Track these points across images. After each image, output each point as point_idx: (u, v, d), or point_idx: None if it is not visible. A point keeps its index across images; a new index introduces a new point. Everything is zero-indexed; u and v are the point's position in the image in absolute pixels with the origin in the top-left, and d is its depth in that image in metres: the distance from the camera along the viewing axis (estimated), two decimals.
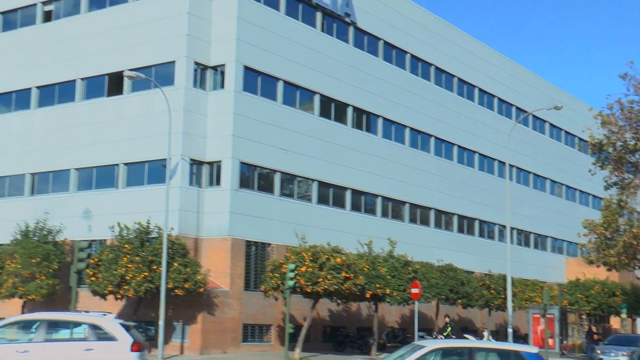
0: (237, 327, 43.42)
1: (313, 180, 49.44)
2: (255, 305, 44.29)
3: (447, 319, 46.64)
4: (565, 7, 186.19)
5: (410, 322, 52.31)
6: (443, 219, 62.39)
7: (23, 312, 43.80)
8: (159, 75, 44.37)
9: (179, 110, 43.24)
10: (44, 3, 51.35)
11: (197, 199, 44.02)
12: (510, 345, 18.09)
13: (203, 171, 44.75)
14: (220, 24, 45.76)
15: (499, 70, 71.02)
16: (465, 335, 49.69)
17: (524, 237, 74.10)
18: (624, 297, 63.06)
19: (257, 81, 46.41)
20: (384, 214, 55.72)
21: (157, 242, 39.14)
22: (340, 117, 52.38)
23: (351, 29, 53.86)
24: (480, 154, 67.29)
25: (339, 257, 40.78)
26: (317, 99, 50.48)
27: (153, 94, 44.09)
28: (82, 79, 48.44)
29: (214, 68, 45.70)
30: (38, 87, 50.53)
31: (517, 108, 72.87)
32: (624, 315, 63.35)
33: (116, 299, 39.61)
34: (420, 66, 60.65)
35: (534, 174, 75.95)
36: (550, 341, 51.20)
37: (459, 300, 53.66)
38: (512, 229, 65.58)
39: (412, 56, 59.69)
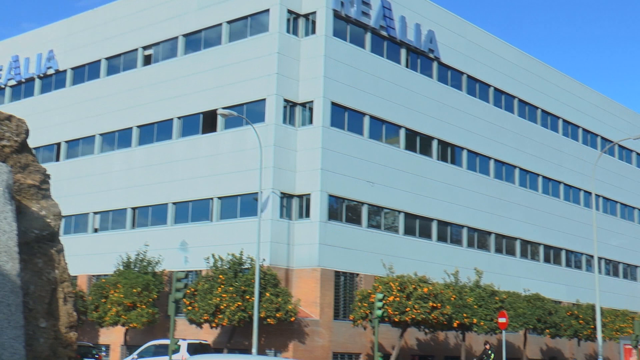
0: (327, 356, 43.35)
1: (400, 211, 49.26)
2: (344, 334, 44.18)
3: (487, 346, 45.40)
4: None
5: (498, 351, 51.27)
6: (529, 248, 61.15)
7: (126, 340, 44.82)
8: (250, 112, 45.13)
9: (269, 145, 43.83)
10: (144, 48, 52.97)
11: (288, 231, 44.37)
12: None
13: (293, 204, 45.13)
14: (308, 63, 46.33)
15: (583, 101, 69.61)
16: None
17: (612, 267, 71.92)
18: None
19: (344, 116, 46.70)
20: (470, 244, 55.01)
21: (249, 273, 39.57)
22: (426, 150, 52.17)
23: (435, 64, 53.76)
24: (565, 184, 65.86)
25: (426, 286, 40.44)
26: (402, 133, 50.44)
27: (245, 131, 44.83)
28: (179, 118, 49.65)
29: (303, 105, 46.22)
30: (138, 126, 51.99)
31: (603, 138, 71.20)
32: None
33: (211, 327, 40.13)
34: (503, 99, 59.99)
35: (622, 204, 73.82)
36: None
37: (547, 330, 52.33)
38: (600, 258, 63.80)
39: (496, 89, 59.12)
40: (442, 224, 52.63)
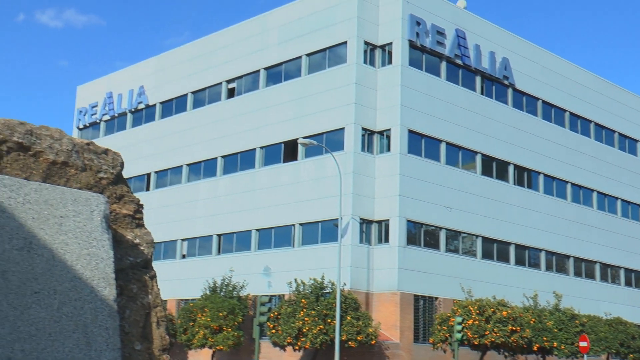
0: None
1: (477, 236, 48.63)
2: (424, 357, 43.65)
3: None
4: None
5: None
6: (609, 272, 59.45)
7: None
8: (329, 141, 45.38)
9: (349, 173, 43.95)
10: (228, 81, 53.95)
11: (367, 256, 44.27)
12: None
13: (372, 229, 45.05)
14: (385, 92, 46.40)
15: None
16: None
17: None
18: None
19: (421, 143, 46.53)
20: (548, 267, 53.82)
21: (331, 297, 39.58)
22: (502, 175, 51.46)
23: (510, 91, 53.14)
24: None
25: (505, 310, 39.73)
26: (478, 159, 49.91)
27: (325, 159, 45.07)
28: (261, 148, 50.27)
29: (381, 133, 46.25)
30: (223, 156, 52.83)
31: None
32: None
33: (294, 350, 40.20)
34: (579, 123, 58.80)
35: None
36: None
37: (631, 355, 50.61)
38: None
39: (571, 114, 58.01)
40: (520, 248, 51.69)
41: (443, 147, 47.77)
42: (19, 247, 5.54)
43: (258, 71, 51.84)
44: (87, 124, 64.56)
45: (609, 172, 60.29)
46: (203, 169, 54.33)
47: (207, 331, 43.21)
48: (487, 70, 51.08)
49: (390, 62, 46.78)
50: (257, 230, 49.17)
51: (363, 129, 45.76)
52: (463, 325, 38.46)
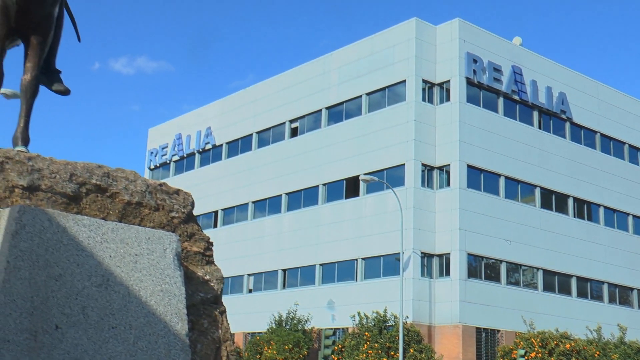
0: None
1: (538, 268, 47.71)
2: None
3: None
4: None
5: None
6: None
7: None
8: (390, 177, 45.31)
9: (409, 208, 43.75)
10: (290, 121, 54.45)
11: (429, 289, 43.81)
12: None
13: (433, 263, 44.63)
14: (444, 128, 46.22)
15: None
16: None
17: None
18: None
19: (480, 178, 46.10)
20: (611, 300, 52.37)
21: (393, 330, 39.22)
22: (562, 208, 50.53)
23: (567, 124, 52.36)
24: None
25: (568, 343, 38.77)
26: (537, 192, 49.16)
27: (386, 195, 44.98)
28: (324, 184, 50.44)
29: (440, 168, 46.01)
30: (287, 193, 53.14)
31: None
32: None
33: None
34: (639, 155, 57.47)
35: None
36: None
37: None
38: None
39: (630, 146, 56.77)
40: (582, 280, 50.48)
41: (502, 181, 47.23)
42: (98, 284, 5.68)
43: (320, 110, 52.22)
44: (158, 165, 65.77)
45: None
46: (268, 205, 54.70)
47: None
48: (544, 104, 50.49)
49: (448, 99, 46.66)
50: (321, 264, 49.16)
51: (423, 164, 45.59)
52: (526, 357, 37.63)
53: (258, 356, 44.16)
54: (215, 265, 6.56)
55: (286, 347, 42.95)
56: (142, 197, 6.26)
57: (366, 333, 39.21)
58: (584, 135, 53.51)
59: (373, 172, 45.88)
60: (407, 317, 40.71)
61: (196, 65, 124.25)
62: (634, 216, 55.37)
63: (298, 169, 52.39)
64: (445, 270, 44.27)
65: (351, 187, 48.66)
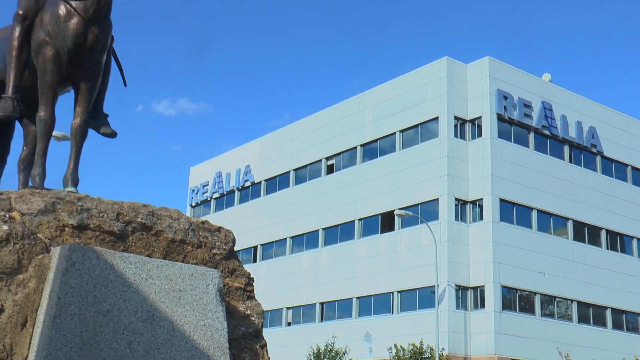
0: None
1: (572, 300, 46.88)
2: None
3: None
4: None
5: None
6: None
7: None
8: (424, 212, 45.08)
9: (443, 241, 43.43)
10: (327, 158, 54.61)
11: (464, 321, 43.25)
12: None
13: (468, 295, 44.11)
14: (476, 164, 45.99)
15: None
16: None
17: None
18: None
19: (512, 211, 45.66)
20: None
21: None
22: (594, 240, 49.74)
23: (598, 158, 51.76)
24: None
25: None
26: (570, 225, 48.50)
27: (420, 229, 44.73)
28: (360, 219, 50.33)
29: (473, 202, 45.69)
30: (324, 229, 53.10)
31: None
32: None
33: None
34: None
35: None
36: None
37: None
38: None
39: None
40: (617, 312, 49.44)
41: (534, 214, 46.72)
42: (143, 319, 5.73)
43: (355, 148, 52.32)
44: (200, 202, 66.25)
45: None
46: (306, 240, 54.68)
47: None
48: (574, 139, 50.03)
49: (480, 135, 46.49)
50: (358, 297, 48.86)
51: (456, 199, 45.33)
52: None
53: None
54: (256, 300, 6.58)
55: None
56: (186, 234, 6.32)
57: None
58: (614, 168, 52.82)
59: (407, 207, 45.71)
60: (443, 349, 40.18)
61: (234, 107, 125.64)
62: None
63: (334, 205, 52.39)
64: (480, 303, 43.71)
65: (386, 221, 48.49)
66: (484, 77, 46.84)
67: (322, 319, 51.54)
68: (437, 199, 45.38)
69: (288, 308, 54.23)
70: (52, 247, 5.71)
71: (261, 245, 58.41)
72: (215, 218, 60.21)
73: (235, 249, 6.84)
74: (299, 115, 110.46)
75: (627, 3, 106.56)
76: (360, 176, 51.14)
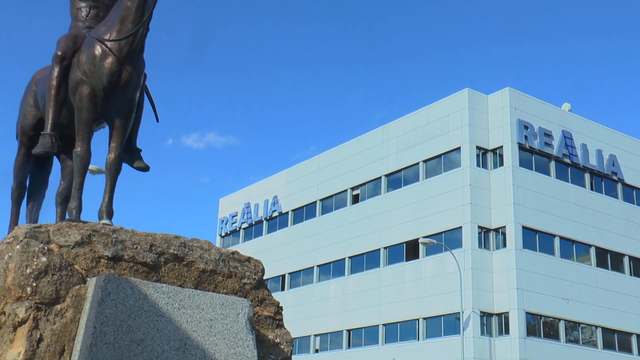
0: None
1: (597, 326, 46.10)
2: None
3: None
4: None
5: None
6: None
7: None
8: (448, 239, 44.80)
9: (467, 269, 43.05)
10: (352, 189, 54.59)
11: (489, 347, 42.67)
12: None
13: (492, 322, 43.57)
14: (498, 192, 45.71)
15: None
16: None
17: None
18: None
19: (535, 238, 45.20)
20: None
21: None
22: (617, 266, 49.01)
23: (619, 185, 51.19)
24: None
25: None
26: (592, 251, 47.87)
27: (444, 257, 44.42)
28: (385, 248, 50.11)
29: (496, 230, 45.32)
30: (350, 257, 52.93)
31: None
32: None
33: None
34: None
35: None
36: None
37: None
38: None
39: None
40: None
41: (557, 241, 46.21)
42: (176, 348, 5.74)
43: (379, 178, 52.28)
44: (229, 232, 66.41)
45: None
46: (332, 269, 54.51)
47: None
48: (595, 167, 49.59)
49: (501, 164, 46.25)
50: (384, 324, 48.48)
51: (479, 227, 45.00)
52: None
53: None
54: (285, 328, 6.56)
55: None
56: (216, 265, 6.35)
57: None
58: (636, 195, 52.18)
59: (431, 235, 45.46)
60: None
61: (261, 140, 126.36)
62: None
63: (360, 234, 52.24)
64: (504, 329, 43.14)
65: (411, 250, 48.22)
66: (505, 107, 46.73)
67: (349, 345, 51.16)
68: (461, 227, 45.08)
69: (315, 335, 53.92)
70: (88, 278, 5.76)
71: (289, 273, 58.30)
72: (245, 247, 60.29)
73: (264, 277, 6.85)
74: (323, 147, 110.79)
75: None
76: (385, 206, 51.01)
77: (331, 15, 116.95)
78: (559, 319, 44.40)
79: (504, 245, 44.61)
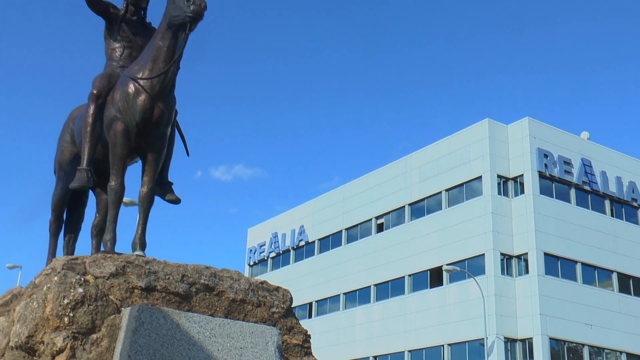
0: None
1: (621, 352, 45.18)
2: None
3: None
4: None
5: None
6: None
7: None
8: (471, 266, 44.38)
9: (491, 295, 42.55)
10: (376, 218, 54.43)
11: None
12: None
13: (517, 347, 42.88)
14: (519, 219, 45.29)
15: None
16: None
17: None
18: None
19: (557, 265, 44.62)
20: None
21: None
22: (639, 292, 48.16)
23: (639, 212, 50.49)
24: None
25: None
26: (614, 277, 47.11)
27: (468, 283, 43.97)
28: (409, 275, 49.75)
29: (518, 257, 44.83)
30: (375, 285, 52.60)
31: None
32: None
33: None
34: None
35: None
36: None
37: None
38: None
39: None
40: None
41: (579, 267, 45.57)
42: None
43: (403, 207, 52.08)
44: (257, 261, 66.40)
45: None
46: (358, 296, 54.18)
47: None
48: (615, 194, 49.00)
49: (522, 192, 45.89)
50: (410, 351, 47.93)
51: (501, 254, 44.55)
52: None
53: None
54: (313, 356, 6.51)
55: None
56: (246, 294, 6.33)
57: None
58: None
59: (455, 262, 45.08)
60: None
61: (287, 171, 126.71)
62: None
63: (385, 262, 51.96)
64: (528, 355, 42.43)
65: (435, 277, 47.82)
66: (524, 136, 46.48)
67: None
68: (483, 254, 44.66)
69: None
70: (122, 308, 5.77)
71: (316, 301, 58.01)
72: (272, 276, 60.24)
73: (292, 305, 6.81)
74: (347, 177, 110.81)
75: None
76: (409, 234, 50.74)
77: (354, 48, 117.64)
78: (583, 345, 43.60)
79: (527, 271, 44.08)
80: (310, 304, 58.38)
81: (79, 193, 8.43)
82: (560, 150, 47.22)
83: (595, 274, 46.28)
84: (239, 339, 5.83)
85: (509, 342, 42.64)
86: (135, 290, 5.92)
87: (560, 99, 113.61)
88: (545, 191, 45.93)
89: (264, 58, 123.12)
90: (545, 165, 46.04)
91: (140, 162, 7.86)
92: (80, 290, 5.75)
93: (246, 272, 66.07)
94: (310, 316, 57.77)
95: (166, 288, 6.04)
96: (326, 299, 56.94)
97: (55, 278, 5.79)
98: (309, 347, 6.52)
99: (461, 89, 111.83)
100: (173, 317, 5.65)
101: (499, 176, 46.38)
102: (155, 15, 8.30)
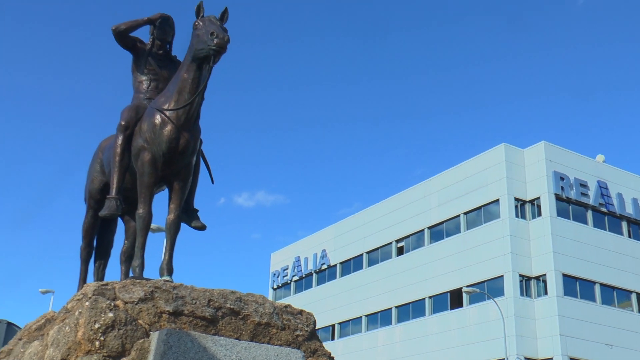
0: None
1: None
2: None
3: None
4: None
5: None
6: None
7: None
8: (490, 288, 43.94)
9: (510, 316, 42.04)
10: (397, 241, 54.19)
11: None
12: None
13: None
14: (537, 241, 44.87)
15: None
16: None
17: None
18: None
19: (575, 286, 44.04)
20: None
21: None
22: None
23: None
24: None
25: None
26: (634, 297, 46.39)
27: (487, 305, 43.52)
28: (430, 297, 49.36)
29: (537, 278, 44.33)
30: (396, 307, 52.23)
31: None
32: None
33: None
34: None
35: None
36: None
37: None
38: None
39: None
40: None
41: (597, 288, 44.94)
42: None
43: (422, 230, 51.84)
44: (280, 285, 66.28)
45: None
46: (380, 318, 53.80)
47: None
48: (631, 215, 48.42)
49: (539, 214, 45.50)
50: None
51: (520, 275, 44.09)
52: None
53: None
54: None
55: None
56: (270, 318, 6.32)
57: None
58: None
59: (474, 284, 44.68)
60: None
61: (308, 197, 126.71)
62: None
63: (405, 284, 51.62)
64: None
65: (455, 298, 47.39)
66: (540, 160, 46.20)
67: None
68: (502, 276, 44.22)
69: None
70: (151, 332, 5.78)
71: (338, 323, 57.68)
72: (296, 299, 60.03)
73: (315, 328, 6.78)
74: (367, 202, 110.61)
75: None
76: (428, 257, 50.43)
77: (373, 76, 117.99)
78: None
79: (545, 292, 43.55)
80: (333, 326, 58.05)
81: (109, 221, 8.50)
82: (577, 173, 46.84)
83: (614, 295, 45.61)
84: None
85: None
86: (164, 315, 5.94)
87: (576, 123, 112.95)
88: (562, 213, 45.52)
89: (284, 86, 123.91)
90: (562, 187, 45.67)
91: (166, 190, 7.92)
92: (111, 315, 5.78)
93: (270, 295, 65.93)
94: (333, 338, 57.40)
95: (193, 312, 6.05)
96: (348, 321, 56.59)
97: (87, 303, 5.82)
98: None
99: (477, 114, 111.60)
100: (200, 341, 5.65)
101: (516, 199, 46.07)
102: (180, 48, 8.41)
